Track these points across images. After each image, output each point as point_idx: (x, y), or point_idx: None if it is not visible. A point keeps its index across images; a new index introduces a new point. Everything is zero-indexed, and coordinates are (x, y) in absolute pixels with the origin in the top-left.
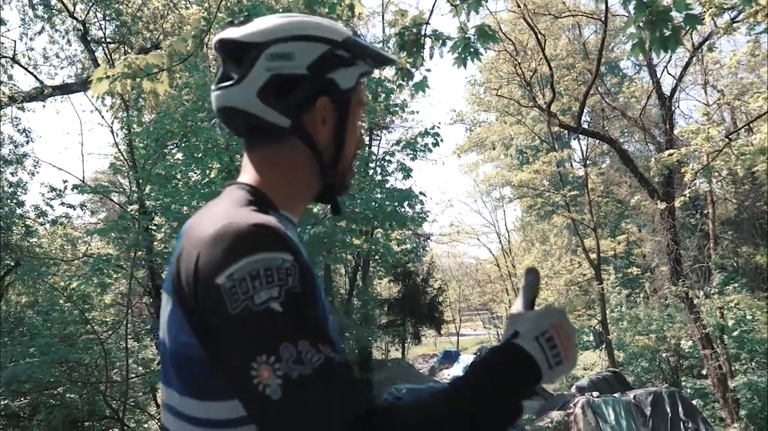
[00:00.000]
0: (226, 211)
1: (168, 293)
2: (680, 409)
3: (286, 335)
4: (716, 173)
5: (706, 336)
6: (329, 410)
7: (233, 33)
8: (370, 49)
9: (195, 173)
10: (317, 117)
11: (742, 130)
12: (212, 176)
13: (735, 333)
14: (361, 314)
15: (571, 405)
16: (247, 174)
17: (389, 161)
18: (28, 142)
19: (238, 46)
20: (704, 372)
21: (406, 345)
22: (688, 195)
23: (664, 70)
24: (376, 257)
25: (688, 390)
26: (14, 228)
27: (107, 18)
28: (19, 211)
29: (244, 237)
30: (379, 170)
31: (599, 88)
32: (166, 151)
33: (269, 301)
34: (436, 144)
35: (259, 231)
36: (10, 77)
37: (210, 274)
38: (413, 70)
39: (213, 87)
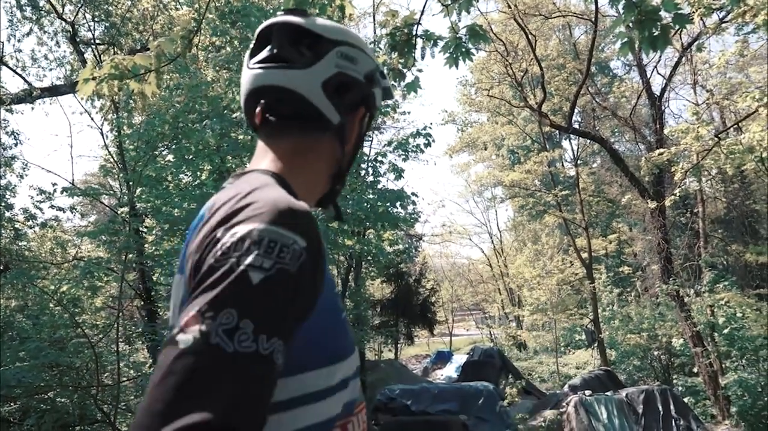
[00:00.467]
0: (259, 190)
1: (185, 275)
2: (672, 407)
3: (239, 305)
4: (706, 172)
5: (697, 333)
6: (211, 401)
7: (298, 20)
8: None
9: (186, 174)
10: (355, 122)
11: (731, 129)
12: (203, 177)
13: (725, 331)
14: (354, 315)
15: (564, 403)
16: (267, 162)
17: (381, 162)
18: (16, 144)
19: (306, 34)
20: (695, 369)
21: (398, 345)
22: (678, 194)
23: (653, 70)
24: (369, 257)
25: (680, 388)
26: (3, 231)
27: (96, 19)
28: (7, 214)
29: (270, 211)
30: (371, 170)
31: (590, 88)
32: (156, 153)
33: (252, 269)
34: (427, 145)
35: (289, 211)
36: None
37: (218, 232)
38: (405, 70)
39: (254, 65)
